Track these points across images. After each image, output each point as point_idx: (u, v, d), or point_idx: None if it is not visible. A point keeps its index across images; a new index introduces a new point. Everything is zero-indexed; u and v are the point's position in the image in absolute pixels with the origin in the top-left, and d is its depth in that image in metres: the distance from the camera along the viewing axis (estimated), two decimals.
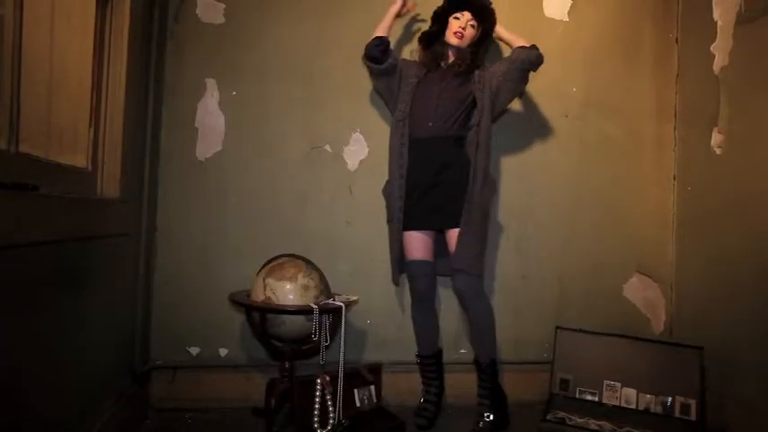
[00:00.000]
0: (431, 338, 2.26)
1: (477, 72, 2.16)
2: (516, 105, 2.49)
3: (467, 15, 2.15)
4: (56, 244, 1.31)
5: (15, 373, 1.17)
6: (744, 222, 2.11)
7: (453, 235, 2.09)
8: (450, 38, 2.17)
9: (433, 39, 2.22)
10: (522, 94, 2.41)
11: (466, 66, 2.16)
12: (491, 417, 2.07)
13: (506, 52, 2.30)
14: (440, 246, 2.20)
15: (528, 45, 2.12)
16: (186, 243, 2.25)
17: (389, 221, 2.22)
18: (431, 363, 2.25)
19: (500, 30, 2.23)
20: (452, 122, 2.12)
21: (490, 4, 2.20)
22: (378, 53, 2.15)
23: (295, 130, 2.35)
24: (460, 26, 2.15)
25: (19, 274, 1.17)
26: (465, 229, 2.06)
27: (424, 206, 2.11)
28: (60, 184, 1.39)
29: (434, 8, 2.23)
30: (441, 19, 2.20)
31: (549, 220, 2.52)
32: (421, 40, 2.26)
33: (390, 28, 2.25)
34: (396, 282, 2.31)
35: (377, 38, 2.17)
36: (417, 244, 2.16)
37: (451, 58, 2.21)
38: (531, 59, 2.09)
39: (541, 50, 2.14)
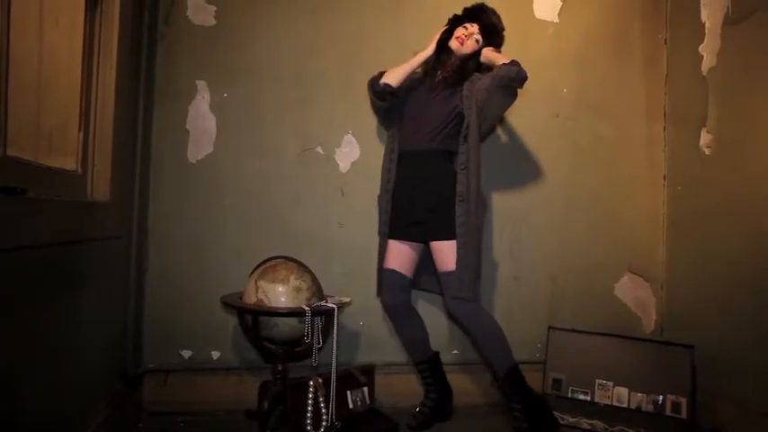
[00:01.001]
0: (417, 347, 2.22)
1: (466, 84, 2.12)
2: None
3: (475, 28, 2.14)
4: (46, 247, 1.30)
5: (6, 377, 1.16)
6: (733, 222, 2.13)
7: (437, 248, 2.05)
8: (452, 41, 2.15)
9: (443, 45, 2.18)
10: (502, 120, 2.42)
11: (452, 72, 2.13)
12: (526, 425, 2.00)
13: None
14: (425, 262, 2.19)
15: (508, 62, 1.99)
16: (178, 245, 2.24)
17: (379, 233, 2.22)
18: (424, 368, 2.22)
19: (486, 51, 2.14)
20: (437, 135, 2.09)
21: (503, 29, 2.17)
22: (385, 95, 2.13)
23: (287, 131, 2.35)
24: (464, 34, 2.13)
25: (8, 277, 1.16)
26: (462, 252, 1.99)
27: (407, 218, 2.09)
28: (50, 187, 1.38)
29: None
30: (452, 28, 2.18)
31: (541, 221, 2.53)
32: (441, 42, 2.19)
33: (411, 75, 2.17)
34: (379, 294, 2.27)
35: (388, 85, 2.11)
36: (395, 253, 2.14)
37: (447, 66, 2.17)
38: (511, 75, 1.95)
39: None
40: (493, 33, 2.16)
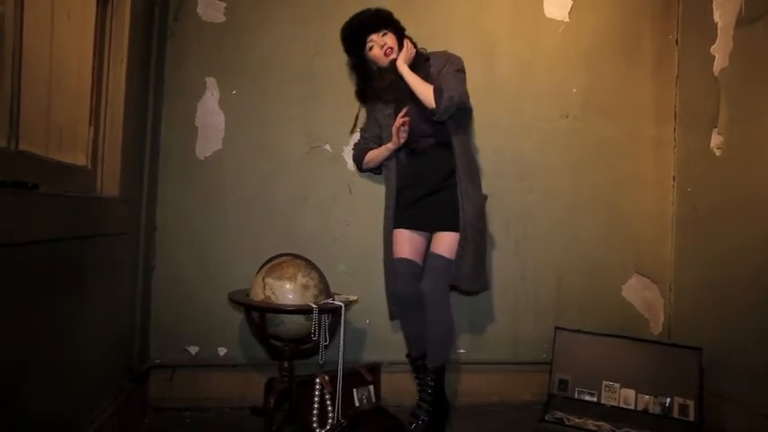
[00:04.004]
0: (421, 342, 2.18)
1: (432, 73, 2.08)
2: (516, 105, 2.49)
3: (380, 36, 2.11)
4: (55, 242, 1.31)
5: (14, 371, 1.17)
6: (743, 224, 2.11)
7: (440, 237, 2.07)
8: (380, 60, 2.12)
9: (368, 74, 2.18)
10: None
11: (398, 85, 2.09)
12: (426, 420, 2.02)
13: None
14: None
15: (429, 96, 1.99)
16: (185, 242, 2.25)
17: (385, 253, 2.21)
18: (420, 364, 2.19)
19: (404, 69, 2.09)
20: (429, 133, 2.10)
21: (390, 13, 2.14)
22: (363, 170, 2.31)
23: (295, 129, 2.35)
24: (381, 46, 2.11)
25: (18, 272, 1.16)
26: (464, 243, 2.01)
27: (415, 211, 2.11)
28: (60, 182, 1.39)
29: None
30: (355, 52, 2.17)
31: (549, 221, 2.52)
32: (361, 94, 2.25)
33: (384, 159, 2.20)
34: (392, 317, 2.30)
35: (365, 168, 2.27)
36: (407, 241, 2.14)
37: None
38: (435, 114, 1.99)
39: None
40: (390, 26, 2.13)
